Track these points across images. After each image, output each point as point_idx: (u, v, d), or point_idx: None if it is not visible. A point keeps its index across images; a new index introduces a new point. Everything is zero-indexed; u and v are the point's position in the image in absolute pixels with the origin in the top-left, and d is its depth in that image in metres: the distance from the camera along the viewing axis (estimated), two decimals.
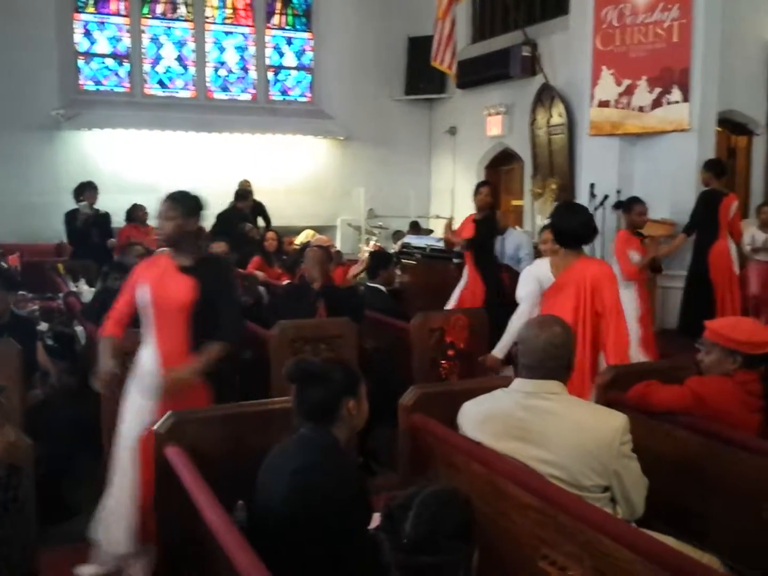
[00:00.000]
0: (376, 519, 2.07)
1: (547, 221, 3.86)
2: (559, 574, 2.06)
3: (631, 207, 5.76)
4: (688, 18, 7.03)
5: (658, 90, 7.23)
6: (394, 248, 9.34)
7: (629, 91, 7.38)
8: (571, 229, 3.83)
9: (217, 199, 9.33)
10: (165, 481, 2.46)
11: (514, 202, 10.43)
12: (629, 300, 5.58)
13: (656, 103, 7.25)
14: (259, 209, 9.17)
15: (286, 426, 2.42)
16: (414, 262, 8.25)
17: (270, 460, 2.30)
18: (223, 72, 11.47)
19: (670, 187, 7.17)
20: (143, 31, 10.96)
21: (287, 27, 11.81)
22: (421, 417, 2.88)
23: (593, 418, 2.42)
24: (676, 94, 7.15)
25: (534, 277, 3.89)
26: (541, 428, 2.42)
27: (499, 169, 10.95)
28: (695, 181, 7.05)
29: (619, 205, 6.25)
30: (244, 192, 8.84)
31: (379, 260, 6.01)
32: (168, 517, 2.52)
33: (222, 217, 8.60)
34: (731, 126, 8.68)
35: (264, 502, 2.23)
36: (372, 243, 9.97)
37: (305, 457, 2.19)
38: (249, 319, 5.18)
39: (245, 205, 8.73)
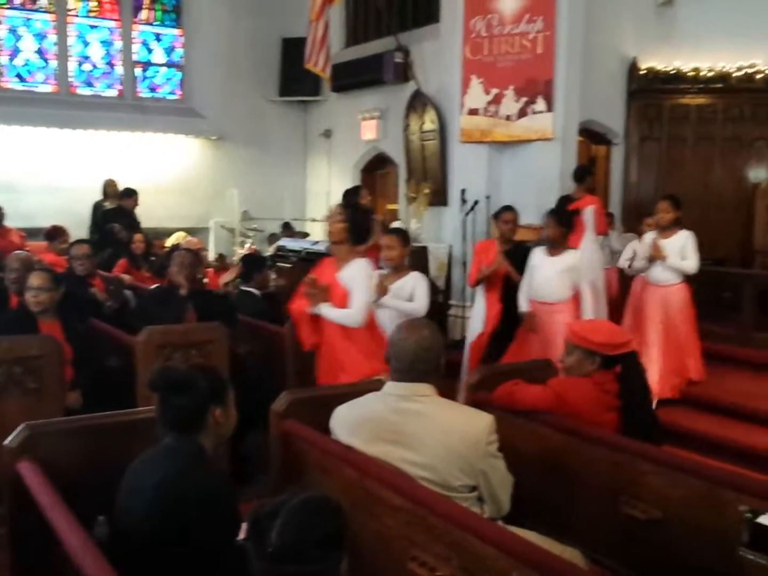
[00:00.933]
0: (245, 529, 2.02)
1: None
2: (428, 575, 2.08)
3: (498, 216, 5.85)
4: (551, 30, 7.30)
5: (524, 100, 7.47)
6: (269, 251, 9.23)
7: (497, 100, 7.58)
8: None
9: (81, 199, 9.08)
10: (17, 499, 2.32)
11: (389, 206, 10.53)
12: (479, 310, 5.76)
13: (522, 113, 7.49)
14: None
15: (150, 437, 2.32)
16: (290, 265, 8.16)
17: (132, 472, 2.20)
18: (87, 66, 10.97)
19: (536, 193, 7.41)
20: (0, 22, 10.33)
21: (156, 23, 11.44)
22: (293, 423, 2.85)
23: (461, 419, 2.47)
24: (540, 104, 7.40)
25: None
26: (413, 431, 2.44)
27: (375, 173, 11.03)
28: (558, 187, 7.34)
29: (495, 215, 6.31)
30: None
31: (253, 263, 5.93)
32: (21, 537, 2.37)
33: (103, 214, 8.30)
34: (591, 135, 9.12)
35: (126, 515, 2.13)
36: (247, 246, 9.82)
37: (170, 468, 2.11)
38: (114, 324, 4.99)
39: (130, 203, 8.45)
